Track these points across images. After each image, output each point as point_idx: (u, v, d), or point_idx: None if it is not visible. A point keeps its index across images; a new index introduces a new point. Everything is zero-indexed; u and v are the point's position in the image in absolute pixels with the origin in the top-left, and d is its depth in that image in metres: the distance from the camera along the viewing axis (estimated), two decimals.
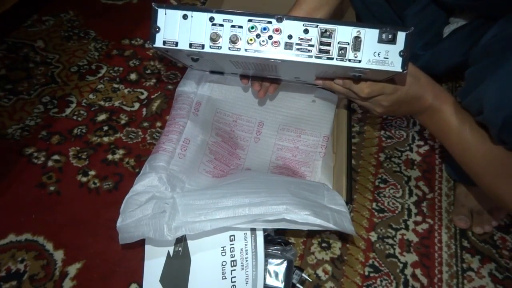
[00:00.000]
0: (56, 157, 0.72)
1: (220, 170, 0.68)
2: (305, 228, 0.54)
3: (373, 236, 0.65)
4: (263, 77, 0.60)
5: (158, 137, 0.75)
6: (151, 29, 0.43)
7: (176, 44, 0.43)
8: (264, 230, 0.55)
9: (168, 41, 0.43)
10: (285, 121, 0.72)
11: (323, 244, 0.64)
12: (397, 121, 0.82)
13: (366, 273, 0.61)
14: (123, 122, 0.79)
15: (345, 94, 0.52)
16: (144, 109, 0.81)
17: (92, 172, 0.71)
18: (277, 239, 0.59)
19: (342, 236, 0.65)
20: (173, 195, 0.56)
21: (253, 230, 0.54)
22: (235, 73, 0.60)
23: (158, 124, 0.79)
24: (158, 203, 0.54)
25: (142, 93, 0.84)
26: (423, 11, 0.75)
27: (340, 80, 0.49)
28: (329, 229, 0.56)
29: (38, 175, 0.70)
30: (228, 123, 0.72)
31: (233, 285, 0.53)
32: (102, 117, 0.79)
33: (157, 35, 0.43)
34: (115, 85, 0.85)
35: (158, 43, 0.43)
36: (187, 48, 0.43)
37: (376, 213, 0.68)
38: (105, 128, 0.78)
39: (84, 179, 0.70)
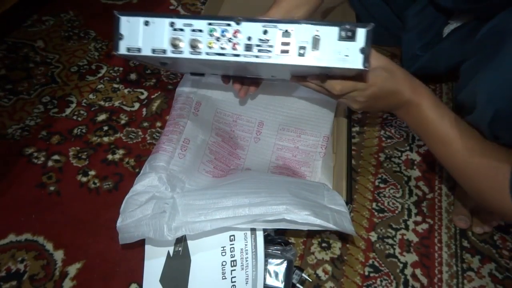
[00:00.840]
0: (56, 157, 0.72)
1: (220, 170, 0.68)
2: (305, 228, 0.54)
3: (373, 236, 0.65)
4: (243, 77, 0.60)
5: (158, 137, 0.75)
6: (115, 37, 0.43)
7: (139, 50, 0.43)
8: (264, 230, 0.55)
9: (131, 48, 0.44)
10: (285, 121, 0.72)
11: (323, 244, 0.64)
12: (397, 121, 0.82)
13: (366, 273, 0.61)
14: (123, 122, 0.79)
15: (320, 92, 0.52)
16: (144, 109, 0.81)
17: (92, 172, 0.71)
18: (277, 239, 0.59)
19: (342, 236, 0.65)
20: (173, 195, 0.56)
21: (253, 230, 0.54)
22: (215, 74, 0.60)
23: (158, 124, 0.79)
24: (158, 203, 0.54)
25: (142, 93, 0.84)
26: (423, 12, 0.75)
27: (313, 78, 0.49)
28: (329, 229, 0.56)
29: (38, 175, 0.70)
30: (228, 123, 0.72)
31: (233, 285, 0.53)
32: (102, 117, 0.79)
33: (121, 43, 0.44)
34: (115, 85, 0.85)
35: (122, 50, 0.44)
36: (150, 54, 0.43)
37: (376, 213, 0.68)
38: (105, 128, 0.78)
39: (84, 179, 0.70)
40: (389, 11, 0.84)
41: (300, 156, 0.71)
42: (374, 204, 0.70)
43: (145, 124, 0.79)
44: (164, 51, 0.43)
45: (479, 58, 0.50)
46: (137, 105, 0.82)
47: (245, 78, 0.61)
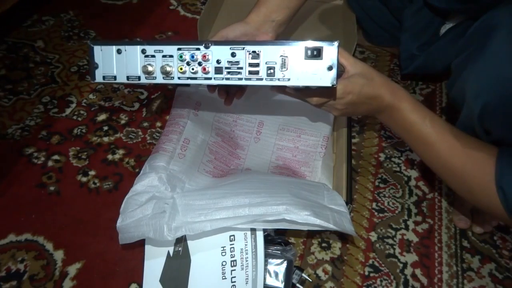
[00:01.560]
0: (56, 157, 0.72)
1: (220, 170, 0.68)
2: (305, 228, 0.54)
3: (373, 236, 0.65)
4: (229, 84, 0.61)
5: (158, 137, 0.75)
6: (90, 66, 0.45)
7: (115, 78, 0.45)
8: (264, 230, 0.55)
9: (107, 75, 0.45)
10: (285, 121, 0.72)
11: (323, 244, 0.64)
12: None
13: (366, 273, 0.61)
14: (123, 122, 0.79)
15: (300, 99, 0.52)
16: (144, 109, 0.81)
17: (92, 172, 0.71)
18: (277, 239, 0.59)
19: (342, 236, 0.65)
20: (173, 195, 0.56)
21: (253, 230, 0.54)
22: (199, 84, 0.61)
23: (158, 124, 0.79)
24: (158, 203, 0.54)
25: (142, 93, 0.84)
26: (420, 12, 0.75)
27: (291, 89, 0.50)
28: (329, 229, 0.56)
29: (38, 175, 0.70)
30: (228, 123, 0.72)
31: (233, 285, 0.53)
32: (102, 117, 0.79)
33: (96, 71, 0.45)
34: (115, 85, 0.85)
35: (98, 79, 0.45)
36: (125, 81, 0.45)
37: (376, 213, 0.68)
38: (105, 128, 0.78)
39: (84, 179, 0.70)
40: (386, 12, 0.84)
41: (300, 156, 0.71)
42: (374, 204, 0.70)
43: (145, 124, 0.79)
44: (138, 78, 0.45)
45: (468, 54, 0.50)
46: (137, 105, 0.82)
47: (230, 87, 0.61)
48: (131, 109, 0.81)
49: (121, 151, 0.74)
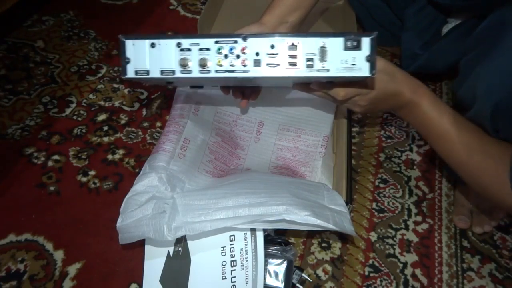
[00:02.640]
0: (56, 157, 0.72)
1: (220, 170, 0.68)
2: (305, 228, 0.54)
3: (373, 236, 0.65)
4: (243, 86, 0.60)
5: (158, 137, 0.75)
6: (121, 61, 0.44)
7: (148, 72, 0.44)
8: (264, 230, 0.55)
9: (139, 70, 0.44)
10: (285, 121, 0.72)
11: (323, 244, 0.64)
12: (397, 121, 0.82)
13: (366, 273, 0.61)
14: (123, 122, 0.79)
15: (323, 97, 0.52)
16: (144, 109, 0.81)
17: (92, 172, 0.71)
18: (277, 239, 0.59)
19: (342, 236, 0.65)
20: (173, 195, 0.56)
21: (253, 230, 0.54)
22: (215, 85, 0.60)
23: (158, 124, 0.79)
24: (158, 203, 0.54)
25: (142, 93, 0.84)
26: (422, 11, 0.75)
27: (316, 85, 0.50)
28: (329, 230, 0.56)
29: (38, 175, 0.70)
30: (228, 123, 0.72)
31: (233, 285, 0.53)
32: (102, 117, 0.79)
33: (128, 66, 0.44)
34: (115, 85, 0.85)
35: (130, 74, 0.44)
36: (158, 75, 0.44)
37: (376, 213, 0.68)
38: (105, 128, 0.78)
39: (84, 179, 0.70)
40: (388, 11, 0.84)
41: (300, 156, 0.71)
42: (374, 204, 0.70)
43: (145, 124, 0.79)
44: (173, 72, 0.44)
45: (478, 52, 0.50)
46: (137, 105, 0.82)
47: (245, 88, 0.61)
48: (131, 109, 0.81)
49: (121, 151, 0.74)
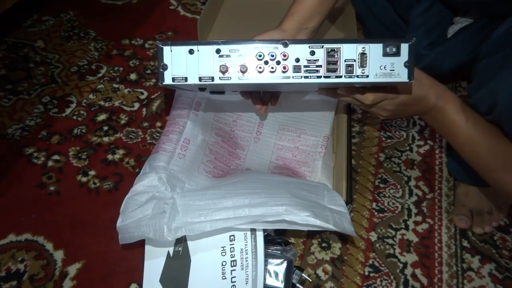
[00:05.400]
0: (56, 157, 0.72)
1: (220, 170, 0.68)
2: (305, 229, 0.54)
3: (373, 236, 0.65)
4: (265, 91, 0.61)
5: (158, 137, 0.75)
6: (159, 68, 0.43)
7: (186, 79, 0.43)
8: (264, 230, 0.55)
9: (177, 77, 0.43)
10: (285, 121, 0.72)
11: (323, 244, 0.64)
12: (397, 121, 0.82)
13: (366, 273, 0.61)
14: (123, 122, 0.79)
15: (349, 102, 0.52)
16: (144, 109, 0.81)
17: (92, 172, 0.71)
18: (277, 239, 0.59)
19: (342, 236, 0.65)
20: (173, 195, 0.56)
21: (253, 230, 0.54)
22: (236, 91, 0.60)
23: (158, 124, 0.79)
24: (158, 203, 0.54)
25: (142, 93, 0.84)
26: (428, 11, 0.75)
27: (344, 90, 0.50)
28: (329, 230, 0.56)
29: (38, 175, 0.70)
30: (228, 123, 0.72)
31: (233, 285, 0.53)
32: (102, 117, 0.79)
33: (165, 73, 0.43)
34: (115, 85, 0.85)
35: (168, 81, 0.43)
36: (197, 82, 0.43)
37: (376, 213, 0.68)
38: (105, 128, 0.78)
39: (84, 179, 0.70)
40: (392, 11, 0.84)
41: (300, 156, 0.71)
42: (374, 204, 0.70)
43: (145, 124, 0.79)
44: (212, 78, 0.43)
45: (499, 56, 0.50)
46: (137, 105, 0.82)
47: (265, 93, 0.61)
48: (131, 109, 0.81)
49: (121, 151, 0.74)
